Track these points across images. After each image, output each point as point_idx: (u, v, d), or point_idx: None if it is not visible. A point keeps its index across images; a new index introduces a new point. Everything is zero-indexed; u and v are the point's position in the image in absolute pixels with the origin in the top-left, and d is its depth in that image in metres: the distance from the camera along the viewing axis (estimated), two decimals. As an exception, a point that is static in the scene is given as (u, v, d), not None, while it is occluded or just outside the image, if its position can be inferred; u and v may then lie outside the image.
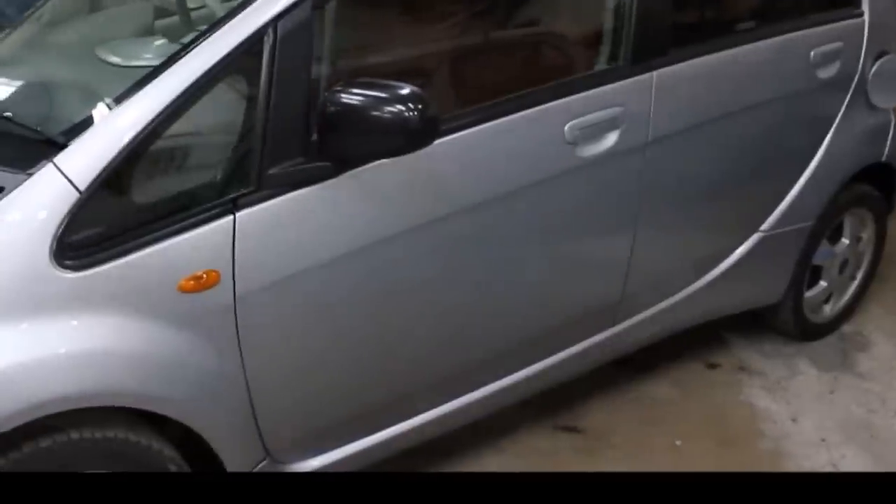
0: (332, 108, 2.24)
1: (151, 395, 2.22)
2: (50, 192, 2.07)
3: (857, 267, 3.83)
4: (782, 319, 3.67)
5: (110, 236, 2.11)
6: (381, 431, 2.70)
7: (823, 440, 3.30)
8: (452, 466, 3.07)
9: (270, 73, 2.23)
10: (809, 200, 3.44)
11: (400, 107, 2.20)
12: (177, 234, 2.17)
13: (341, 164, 2.31)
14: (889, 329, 3.91)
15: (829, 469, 3.16)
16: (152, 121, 2.13)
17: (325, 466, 2.61)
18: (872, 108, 3.51)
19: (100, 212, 2.11)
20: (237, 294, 2.26)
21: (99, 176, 2.09)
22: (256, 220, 2.25)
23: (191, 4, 3.02)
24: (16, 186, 2.07)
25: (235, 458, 2.40)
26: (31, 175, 2.08)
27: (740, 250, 3.35)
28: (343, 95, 2.23)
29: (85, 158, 2.10)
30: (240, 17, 2.24)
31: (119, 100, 2.18)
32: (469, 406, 2.86)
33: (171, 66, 2.20)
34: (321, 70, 2.34)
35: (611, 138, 2.77)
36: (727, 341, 3.78)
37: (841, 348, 3.80)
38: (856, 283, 3.85)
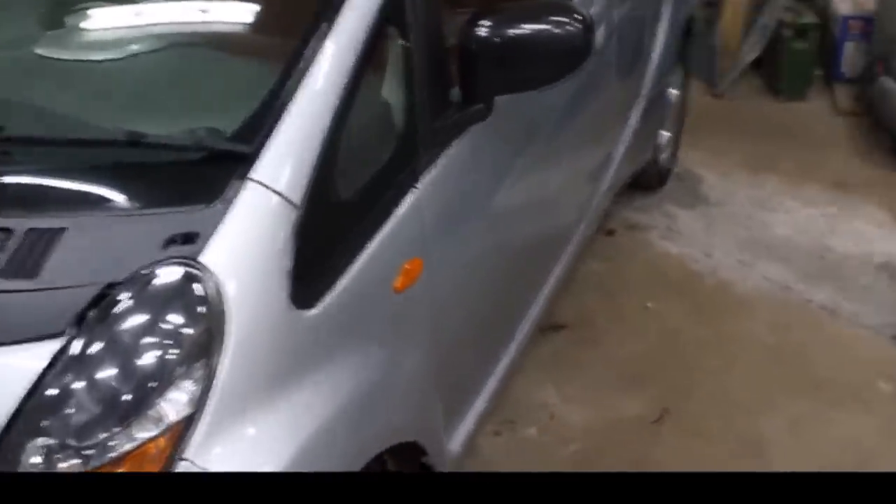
0: (479, 45, 2.06)
1: (418, 423, 2.05)
2: (264, 217, 1.65)
3: (677, 113, 4.23)
4: (649, 173, 3.97)
5: (331, 252, 1.77)
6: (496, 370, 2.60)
7: (741, 261, 3.70)
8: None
9: (415, 28, 2.00)
10: (666, 60, 3.76)
11: (561, 27, 2.09)
12: (379, 228, 1.88)
13: (491, 101, 2.15)
14: (702, 162, 4.41)
15: (765, 283, 3.58)
16: (337, 105, 1.79)
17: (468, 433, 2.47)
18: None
19: (317, 226, 1.72)
20: (428, 273, 2.03)
21: (309, 183, 1.71)
22: (433, 183, 2.03)
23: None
24: (215, 225, 1.61)
25: (437, 456, 2.19)
26: (229, 204, 1.63)
27: (636, 113, 3.59)
28: (493, 29, 2.06)
29: (289, 165, 1.71)
30: None
31: (278, 90, 1.81)
32: (543, 307, 2.87)
33: (314, 45, 1.84)
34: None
35: (601, 32, 2.83)
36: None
37: (686, 188, 4.22)
38: (675, 128, 4.26)
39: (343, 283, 1.77)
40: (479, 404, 2.50)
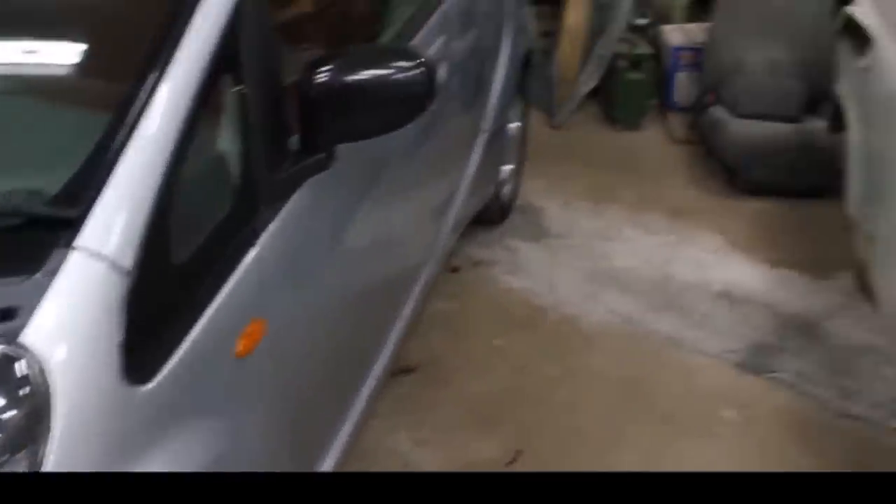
0: (319, 92, 1.98)
1: None
2: (91, 287, 1.52)
3: (518, 146, 4.23)
4: (492, 208, 3.95)
5: (167, 320, 1.66)
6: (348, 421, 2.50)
7: (585, 294, 3.72)
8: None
9: (251, 75, 1.90)
10: (507, 92, 3.75)
11: (404, 72, 2.03)
12: (218, 291, 1.77)
13: (333, 149, 2.07)
14: (542, 192, 4.42)
15: (610, 315, 3.61)
16: (170, 160, 1.67)
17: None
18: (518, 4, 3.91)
19: (151, 293, 1.61)
20: (272, 334, 1.94)
21: (141, 246, 1.59)
22: (273, 238, 1.94)
23: None
24: (37, 299, 1.47)
25: None
26: (52, 275, 1.50)
27: (478, 148, 3.56)
28: (332, 76, 1.98)
29: (118, 228, 1.58)
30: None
31: (105, 144, 1.68)
32: (393, 350, 2.79)
33: (144, 94, 1.71)
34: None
35: (442, 68, 2.79)
36: (448, 245, 3.98)
37: (528, 220, 4.22)
38: (517, 160, 4.25)
39: (180, 353, 1.65)
40: (332, 459, 2.40)
